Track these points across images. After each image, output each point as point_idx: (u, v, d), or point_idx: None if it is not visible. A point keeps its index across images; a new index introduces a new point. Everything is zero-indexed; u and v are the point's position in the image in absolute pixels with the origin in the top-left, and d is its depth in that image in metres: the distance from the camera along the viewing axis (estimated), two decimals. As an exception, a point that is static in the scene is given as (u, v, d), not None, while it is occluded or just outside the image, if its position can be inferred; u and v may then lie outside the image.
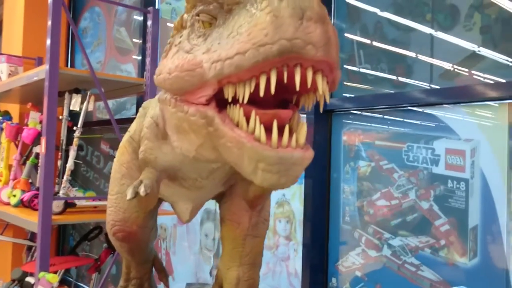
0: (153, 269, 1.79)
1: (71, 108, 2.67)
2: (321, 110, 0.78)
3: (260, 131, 0.73)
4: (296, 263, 2.44)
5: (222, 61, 0.75)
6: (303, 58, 0.70)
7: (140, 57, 3.74)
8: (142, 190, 1.07)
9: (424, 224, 1.90)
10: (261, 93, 0.73)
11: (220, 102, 0.83)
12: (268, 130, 0.74)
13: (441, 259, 1.85)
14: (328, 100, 0.78)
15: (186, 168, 1.20)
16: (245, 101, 0.76)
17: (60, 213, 2.54)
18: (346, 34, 2.29)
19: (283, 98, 0.86)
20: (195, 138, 0.88)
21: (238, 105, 0.78)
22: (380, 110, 2.08)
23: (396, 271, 1.99)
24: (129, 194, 1.08)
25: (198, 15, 0.86)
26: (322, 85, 0.74)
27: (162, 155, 1.19)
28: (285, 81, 0.72)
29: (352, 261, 2.18)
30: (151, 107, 1.31)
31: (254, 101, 0.77)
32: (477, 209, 1.75)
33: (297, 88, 0.73)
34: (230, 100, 0.79)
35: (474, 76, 1.82)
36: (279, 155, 0.71)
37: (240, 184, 1.31)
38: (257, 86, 0.74)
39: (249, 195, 1.29)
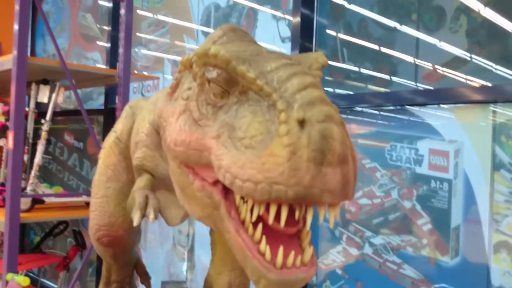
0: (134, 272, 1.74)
1: (38, 100, 2.54)
2: (331, 226, 0.75)
3: (266, 248, 0.69)
4: (274, 260, 2.43)
5: (232, 177, 0.69)
6: (318, 204, 0.67)
7: (108, 45, 3.59)
8: (151, 217, 1.00)
9: (406, 223, 1.93)
10: (270, 222, 0.69)
11: None
12: (274, 239, 0.71)
13: (423, 257, 1.88)
14: (332, 225, 0.74)
15: None
16: (253, 220, 0.71)
17: (28, 210, 2.42)
18: (329, 31, 2.27)
19: None
20: (199, 210, 0.84)
21: (246, 205, 0.72)
22: (363, 108, 2.08)
23: (378, 269, 2.01)
24: (136, 219, 1.00)
25: (209, 82, 0.78)
26: (333, 218, 0.71)
27: (163, 164, 1.14)
28: (297, 218, 0.70)
29: (332, 259, 2.18)
30: (145, 108, 1.25)
31: None
32: (460, 209, 1.78)
33: (307, 228, 0.72)
34: (239, 198, 0.74)
35: (459, 78, 1.84)
36: (281, 279, 0.68)
37: None
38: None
39: None
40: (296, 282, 0.69)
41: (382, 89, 2.07)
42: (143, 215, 1.01)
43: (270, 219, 0.68)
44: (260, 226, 0.71)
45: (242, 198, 0.73)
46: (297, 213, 0.69)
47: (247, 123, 0.70)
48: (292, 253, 0.70)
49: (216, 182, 0.77)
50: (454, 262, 1.80)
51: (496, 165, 1.69)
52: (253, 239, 0.71)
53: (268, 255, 0.69)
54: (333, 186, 0.64)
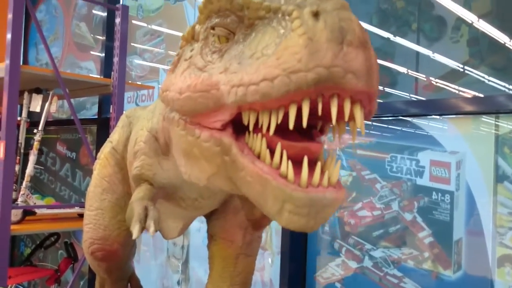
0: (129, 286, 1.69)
1: (31, 109, 2.49)
2: (352, 142, 0.68)
3: (288, 167, 0.64)
4: (271, 273, 2.38)
5: (245, 87, 0.65)
6: (342, 88, 0.60)
7: (102, 54, 3.56)
8: (152, 230, 0.94)
9: (407, 236, 1.89)
10: (291, 126, 0.63)
11: (237, 127, 0.73)
12: (294, 164, 0.64)
13: (425, 271, 1.84)
14: (363, 132, 0.68)
15: (187, 187, 1.11)
16: (271, 132, 0.65)
17: (19, 222, 2.36)
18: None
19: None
20: (208, 166, 0.78)
21: (260, 135, 0.68)
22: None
23: (378, 283, 1.97)
24: (135, 232, 0.94)
25: (213, 28, 0.76)
26: (360, 118, 0.65)
27: (161, 172, 1.09)
28: (319, 113, 0.63)
29: (331, 272, 2.14)
30: (142, 117, 1.21)
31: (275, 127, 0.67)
32: (462, 222, 1.75)
33: (333, 122, 0.65)
34: (251, 128, 0.69)
35: (460, 89, 1.82)
36: (309, 197, 0.62)
37: (244, 203, 1.23)
38: (284, 115, 0.65)
39: (255, 215, 1.20)
40: (326, 204, 0.63)
41: (382, 100, 2.05)
42: (143, 228, 0.96)
43: (291, 122, 0.62)
44: (278, 145, 0.65)
45: (255, 131, 0.68)
46: (319, 106, 0.62)
47: (257, 41, 0.67)
48: (318, 169, 0.64)
49: (225, 126, 0.73)
50: (457, 276, 1.76)
51: (499, 177, 1.67)
52: (272, 165, 0.65)
53: (291, 174, 0.63)
54: (357, 66, 0.60)
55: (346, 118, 0.65)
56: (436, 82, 1.88)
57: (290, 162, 0.64)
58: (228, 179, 0.75)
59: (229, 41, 0.74)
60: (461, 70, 1.81)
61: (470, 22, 1.79)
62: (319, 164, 0.64)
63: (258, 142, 0.68)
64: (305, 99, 0.62)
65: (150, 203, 1.03)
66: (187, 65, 0.81)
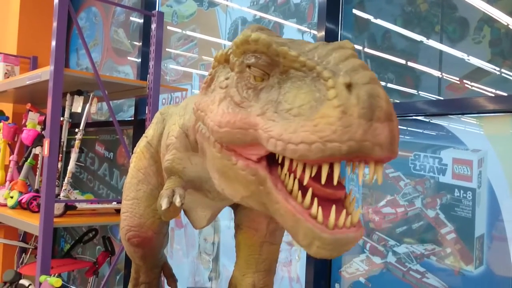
0: (162, 274, 1.79)
1: (73, 110, 2.65)
2: (379, 182, 0.78)
3: (318, 211, 0.73)
4: (298, 269, 2.45)
5: (284, 143, 0.73)
6: (369, 157, 0.70)
7: (139, 60, 3.72)
8: (178, 201, 1.06)
9: (430, 232, 1.93)
10: (323, 181, 0.72)
11: (270, 157, 0.81)
12: (322, 202, 0.74)
13: (447, 266, 1.88)
14: (380, 182, 0.76)
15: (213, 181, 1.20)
16: (305, 183, 0.75)
17: (61, 215, 2.52)
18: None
19: None
20: (242, 190, 0.87)
21: (293, 175, 0.77)
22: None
23: (401, 278, 2.02)
24: (164, 204, 1.07)
25: (249, 67, 0.83)
26: (380, 175, 0.74)
27: (190, 166, 1.20)
28: (349, 174, 0.74)
29: (356, 267, 2.20)
30: (175, 114, 1.31)
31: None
32: (484, 218, 1.79)
33: (360, 183, 0.75)
34: (286, 169, 0.78)
35: (482, 89, 1.86)
36: (335, 237, 0.72)
37: None
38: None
39: None
40: (348, 242, 0.73)
41: (406, 100, 2.10)
42: (171, 202, 1.07)
43: (323, 178, 0.72)
44: (310, 190, 0.75)
45: (289, 170, 0.77)
46: (348, 169, 0.73)
47: (293, 95, 0.75)
48: (343, 213, 0.73)
49: (260, 159, 0.81)
50: (478, 271, 1.79)
51: (520, 174, 1.70)
52: (303, 205, 0.75)
53: (320, 217, 0.73)
54: (383, 139, 0.68)
55: (371, 178, 0.73)
56: (459, 82, 1.92)
57: (319, 207, 0.73)
58: (261, 204, 0.84)
59: (264, 81, 0.82)
60: (484, 69, 1.85)
61: (493, 21, 1.82)
62: (344, 211, 0.74)
63: (291, 181, 0.77)
64: (336, 163, 0.72)
65: (178, 188, 1.13)
66: (224, 95, 0.88)
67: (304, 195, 0.75)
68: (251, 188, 0.84)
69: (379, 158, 0.70)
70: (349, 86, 0.69)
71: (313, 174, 0.73)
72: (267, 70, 0.81)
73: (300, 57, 0.77)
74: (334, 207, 0.73)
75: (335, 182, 0.73)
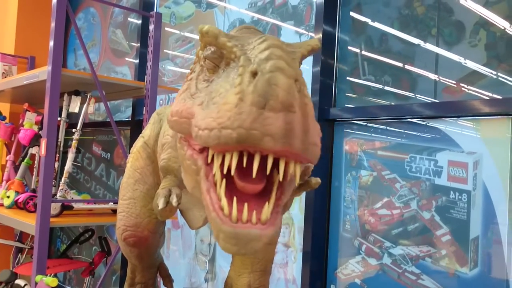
0: (158, 275, 1.80)
1: (70, 110, 2.65)
2: (296, 181, 0.77)
3: (224, 202, 0.72)
4: (294, 270, 2.46)
5: (197, 129, 0.74)
6: (260, 148, 0.68)
7: (137, 60, 3.72)
8: (174, 200, 1.07)
9: (425, 234, 1.94)
10: (232, 172, 0.72)
11: None
12: (246, 197, 0.74)
13: (442, 268, 1.89)
14: (297, 181, 0.75)
15: None
16: (214, 172, 0.75)
17: (57, 215, 2.52)
18: (349, 47, 2.33)
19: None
20: (190, 180, 0.89)
21: (219, 167, 0.75)
22: (383, 121, 2.12)
23: (396, 279, 2.03)
24: (161, 203, 1.08)
25: (205, 60, 0.86)
26: (291, 169, 0.73)
27: None
28: (244, 165, 0.71)
29: (351, 269, 2.21)
30: (171, 114, 1.32)
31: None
32: (479, 221, 1.80)
33: (253, 175, 0.72)
34: (210, 158, 0.77)
35: (478, 92, 1.87)
36: (235, 231, 0.70)
37: None
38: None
39: None
40: (249, 238, 0.70)
41: (402, 102, 2.11)
42: (167, 202, 1.08)
43: (232, 169, 0.71)
44: (223, 182, 0.74)
45: (221, 165, 0.75)
46: (244, 160, 0.71)
47: (220, 84, 0.77)
48: (245, 208, 0.71)
49: (202, 150, 0.82)
50: (473, 273, 1.80)
51: (515, 177, 1.71)
52: (217, 196, 0.74)
53: (226, 209, 0.72)
54: (274, 130, 0.66)
55: (268, 171, 0.72)
56: (455, 85, 1.93)
57: (225, 199, 0.73)
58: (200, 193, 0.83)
59: (215, 73, 0.84)
60: (480, 72, 1.86)
61: (489, 25, 1.84)
62: (246, 205, 0.72)
63: (218, 173, 0.76)
64: (233, 152, 0.70)
65: (174, 187, 1.14)
66: (186, 88, 0.92)
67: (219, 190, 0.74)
68: (194, 178, 0.84)
69: (272, 150, 0.68)
70: (254, 74, 0.69)
71: (227, 164, 0.72)
72: (216, 62, 0.84)
73: (234, 48, 0.78)
74: (246, 205, 0.72)
75: (232, 172, 0.71)
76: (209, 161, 0.78)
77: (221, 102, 0.70)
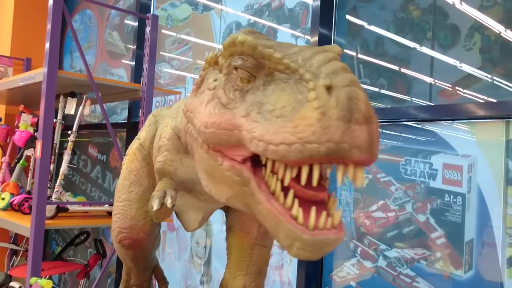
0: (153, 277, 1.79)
1: (66, 112, 2.65)
2: (359, 185, 0.78)
3: (298, 212, 0.73)
4: (289, 272, 2.46)
5: (265, 143, 0.74)
6: (347, 159, 0.70)
7: (133, 62, 3.72)
8: (169, 202, 1.07)
9: (420, 237, 1.95)
10: (303, 182, 0.73)
11: (255, 158, 0.81)
12: (303, 203, 0.75)
13: (437, 271, 1.89)
14: (361, 185, 0.78)
15: None
16: (285, 183, 0.75)
17: (52, 217, 2.51)
18: (345, 50, 2.34)
19: None
20: (227, 190, 0.88)
21: (276, 176, 0.77)
22: (378, 123, 2.12)
23: (391, 282, 2.03)
24: (155, 205, 1.08)
25: (236, 69, 0.84)
26: (360, 178, 0.74)
27: (182, 168, 1.20)
28: (327, 175, 0.76)
29: (347, 271, 2.21)
30: (168, 116, 1.32)
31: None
32: (473, 223, 1.80)
33: (339, 184, 0.74)
34: (269, 170, 0.78)
35: (473, 95, 1.88)
36: (315, 239, 0.72)
37: None
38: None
39: None
40: (328, 243, 0.73)
41: (397, 105, 2.12)
42: (162, 203, 1.08)
43: (303, 180, 0.72)
44: (291, 192, 0.75)
45: (272, 171, 0.77)
46: (328, 170, 0.74)
47: (276, 97, 0.76)
48: (324, 214, 0.74)
49: (245, 160, 0.82)
50: (468, 276, 1.81)
51: (510, 180, 1.72)
52: (285, 206, 0.75)
53: (300, 218, 0.73)
54: (361, 142, 0.69)
55: (350, 179, 0.73)
56: (451, 88, 1.94)
57: (300, 209, 0.74)
58: (245, 204, 0.85)
59: (250, 83, 0.83)
60: (475, 76, 1.87)
61: (483, 29, 1.85)
62: (325, 213, 0.74)
63: (274, 182, 0.78)
64: (316, 165, 0.72)
65: (170, 190, 1.14)
66: (211, 97, 0.89)
67: (287, 196, 0.76)
68: (235, 188, 0.84)
69: (358, 160, 0.71)
70: (329, 88, 0.70)
71: (293, 175, 0.74)
72: (253, 72, 0.82)
73: (284, 60, 0.78)
74: (314, 208, 0.73)
75: (314, 184, 0.73)
76: (267, 172, 0.79)
77: (297, 117, 0.71)
